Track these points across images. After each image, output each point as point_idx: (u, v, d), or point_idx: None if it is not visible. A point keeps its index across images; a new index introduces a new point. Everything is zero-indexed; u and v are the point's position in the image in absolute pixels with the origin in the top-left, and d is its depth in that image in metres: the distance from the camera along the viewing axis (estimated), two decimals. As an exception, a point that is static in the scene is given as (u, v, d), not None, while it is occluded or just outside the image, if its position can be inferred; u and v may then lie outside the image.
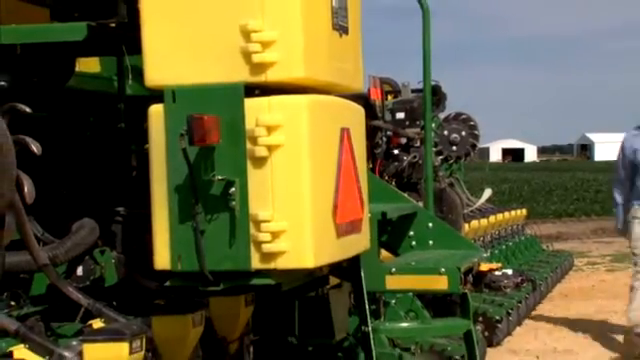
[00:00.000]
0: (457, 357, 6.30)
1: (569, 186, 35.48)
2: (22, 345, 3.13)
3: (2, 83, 1.96)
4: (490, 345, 8.26)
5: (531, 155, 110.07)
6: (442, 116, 10.66)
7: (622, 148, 8.47)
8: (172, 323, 3.69)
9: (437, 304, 6.84)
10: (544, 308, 10.64)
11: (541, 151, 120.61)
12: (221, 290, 3.51)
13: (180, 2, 3.52)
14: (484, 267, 9.72)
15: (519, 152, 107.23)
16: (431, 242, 5.29)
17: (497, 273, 9.90)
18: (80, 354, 3.08)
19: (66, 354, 3.10)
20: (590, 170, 52.30)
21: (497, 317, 8.52)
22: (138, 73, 4.00)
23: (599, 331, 9.37)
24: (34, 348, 3.12)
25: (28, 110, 2.16)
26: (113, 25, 3.93)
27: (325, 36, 3.66)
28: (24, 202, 3.15)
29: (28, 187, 3.08)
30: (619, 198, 8.48)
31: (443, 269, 4.74)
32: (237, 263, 3.39)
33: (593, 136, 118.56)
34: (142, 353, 3.17)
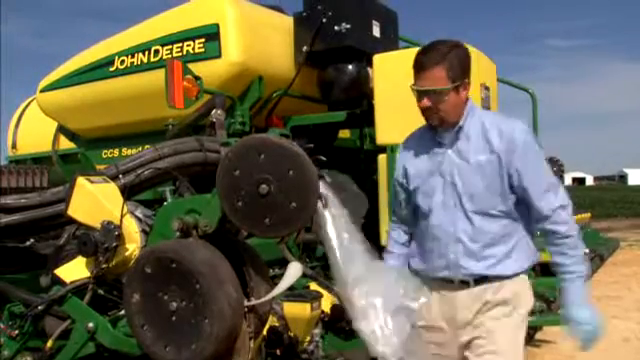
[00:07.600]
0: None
1: (614, 199, 32.90)
2: (313, 282, 3.18)
3: (310, 145, 1.98)
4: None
5: (589, 181, 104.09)
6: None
7: None
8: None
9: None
10: (601, 271, 9.92)
11: (595, 179, 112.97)
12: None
13: (395, 101, 3.49)
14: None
15: (582, 179, 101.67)
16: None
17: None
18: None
19: (335, 288, 3.07)
20: (626, 190, 48.37)
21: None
22: (371, 137, 4.03)
23: (636, 284, 8.77)
24: (319, 284, 3.15)
25: (324, 159, 2.17)
26: (358, 111, 3.98)
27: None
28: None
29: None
30: None
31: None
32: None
33: (627, 170, 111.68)
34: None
